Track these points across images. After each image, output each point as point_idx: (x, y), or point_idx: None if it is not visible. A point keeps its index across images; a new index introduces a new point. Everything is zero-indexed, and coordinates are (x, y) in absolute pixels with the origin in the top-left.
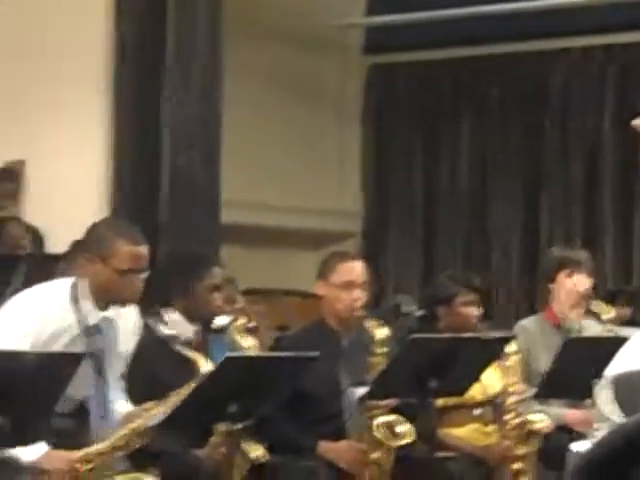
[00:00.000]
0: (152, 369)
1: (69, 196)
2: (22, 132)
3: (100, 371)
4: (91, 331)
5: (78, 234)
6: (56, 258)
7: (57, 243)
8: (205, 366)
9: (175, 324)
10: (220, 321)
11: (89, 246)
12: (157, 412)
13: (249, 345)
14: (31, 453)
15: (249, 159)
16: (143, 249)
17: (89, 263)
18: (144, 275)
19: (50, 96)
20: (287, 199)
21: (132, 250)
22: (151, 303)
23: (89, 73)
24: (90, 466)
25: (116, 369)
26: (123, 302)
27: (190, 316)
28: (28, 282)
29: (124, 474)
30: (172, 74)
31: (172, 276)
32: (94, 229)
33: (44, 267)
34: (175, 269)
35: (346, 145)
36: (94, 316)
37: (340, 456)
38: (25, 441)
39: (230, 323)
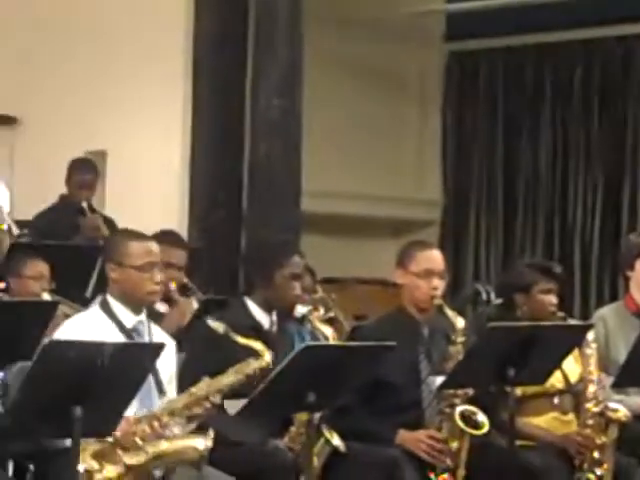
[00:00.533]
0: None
1: (149, 187)
2: (104, 124)
3: None
4: (130, 334)
5: (158, 225)
6: None
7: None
8: (265, 354)
9: (256, 313)
10: (300, 310)
11: (107, 257)
12: (218, 384)
13: (328, 334)
14: None
15: (329, 148)
16: (152, 244)
17: (111, 272)
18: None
19: (132, 89)
20: (367, 188)
21: (141, 245)
22: (234, 291)
23: (170, 67)
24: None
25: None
26: (148, 296)
27: (268, 305)
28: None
29: (179, 439)
30: (253, 65)
31: (253, 265)
32: (106, 241)
33: None
34: (256, 258)
35: (426, 133)
36: (129, 320)
37: (419, 445)
38: (100, 433)
39: (309, 312)
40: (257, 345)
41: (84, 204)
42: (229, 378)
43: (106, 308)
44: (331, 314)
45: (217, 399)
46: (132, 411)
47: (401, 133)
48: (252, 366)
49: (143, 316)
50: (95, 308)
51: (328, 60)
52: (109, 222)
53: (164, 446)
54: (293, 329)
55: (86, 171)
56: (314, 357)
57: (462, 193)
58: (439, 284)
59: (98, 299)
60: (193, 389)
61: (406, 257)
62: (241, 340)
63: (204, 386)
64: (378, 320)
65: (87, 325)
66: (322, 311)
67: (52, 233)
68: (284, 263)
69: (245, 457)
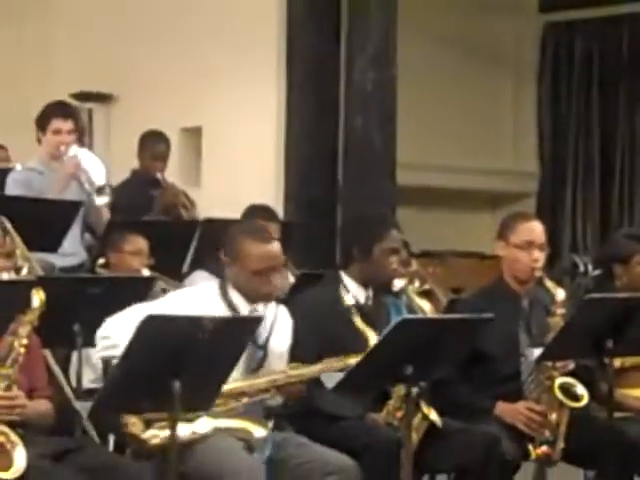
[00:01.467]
0: (333, 335)
1: (245, 162)
2: (199, 100)
3: None
4: None
5: (254, 200)
6: (231, 223)
7: (232, 208)
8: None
9: (351, 287)
10: (398, 284)
11: (226, 249)
12: (314, 369)
13: (426, 308)
14: None
15: (425, 121)
16: (274, 247)
17: (228, 265)
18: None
19: (227, 66)
20: (463, 160)
21: (263, 250)
22: (330, 266)
23: (264, 42)
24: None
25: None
26: (264, 297)
27: (365, 280)
28: (202, 247)
29: (240, 419)
30: (347, 38)
31: (350, 239)
32: (228, 233)
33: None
34: (353, 232)
35: (522, 104)
36: (243, 307)
37: (517, 417)
38: (198, 407)
39: (407, 286)
40: (370, 335)
41: (159, 175)
42: (315, 369)
43: (223, 291)
44: (426, 287)
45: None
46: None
47: (497, 105)
48: (345, 362)
49: (260, 306)
50: (213, 286)
51: (423, 32)
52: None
53: (224, 422)
54: (390, 303)
55: (159, 143)
56: (411, 330)
57: (558, 164)
58: (539, 256)
59: (196, 279)
60: (275, 376)
61: (507, 229)
62: (358, 323)
63: (287, 373)
64: (477, 293)
65: (198, 300)
66: (417, 284)
67: (130, 208)
68: (382, 237)
69: (348, 432)
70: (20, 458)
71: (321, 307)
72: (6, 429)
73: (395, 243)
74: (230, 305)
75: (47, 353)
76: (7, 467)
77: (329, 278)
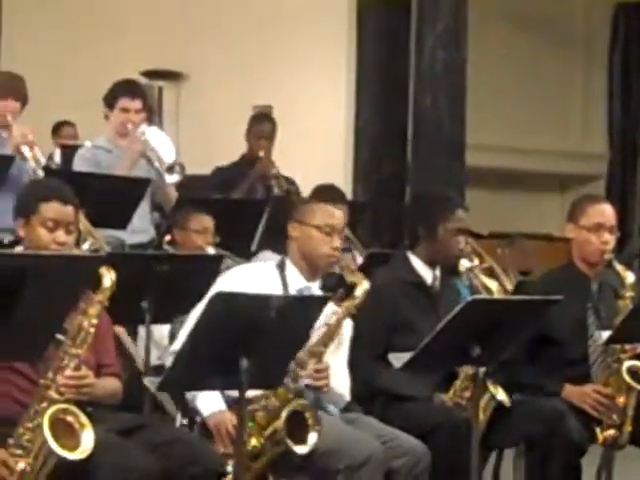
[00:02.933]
0: (401, 314)
1: (314, 142)
2: (270, 79)
3: None
4: None
5: (323, 179)
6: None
7: (301, 188)
8: None
9: (418, 267)
10: (465, 264)
11: (291, 216)
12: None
13: (493, 288)
14: (208, 408)
15: (494, 102)
16: (337, 210)
17: (293, 230)
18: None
19: (297, 45)
20: (532, 142)
21: (327, 209)
22: (398, 246)
23: (333, 21)
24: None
25: None
26: (324, 258)
27: (432, 260)
28: (272, 224)
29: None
30: (417, 18)
31: (417, 219)
32: (295, 202)
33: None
34: (420, 212)
35: (592, 86)
36: (298, 283)
37: (585, 400)
38: (265, 385)
39: (474, 266)
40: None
41: (261, 153)
42: None
43: (281, 267)
44: (486, 265)
45: None
46: None
47: (567, 86)
48: None
49: (314, 285)
50: (271, 264)
51: (493, 12)
52: (290, 182)
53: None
54: (456, 283)
55: (264, 122)
56: (480, 311)
57: (628, 146)
58: (609, 239)
59: (264, 258)
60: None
61: (577, 211)
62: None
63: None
64: (546, 275)
65: (255, 276)
66: (476, 262)
67: (225, 189)
68: (448, 217)
69: (416, 413)
70: (88, 439)
71: (390, 287)
72: (75, 409)
73: (461, 223)
74: (282, 278)
75: (121, 330)
76: (74, 447)
77: (397, 258)
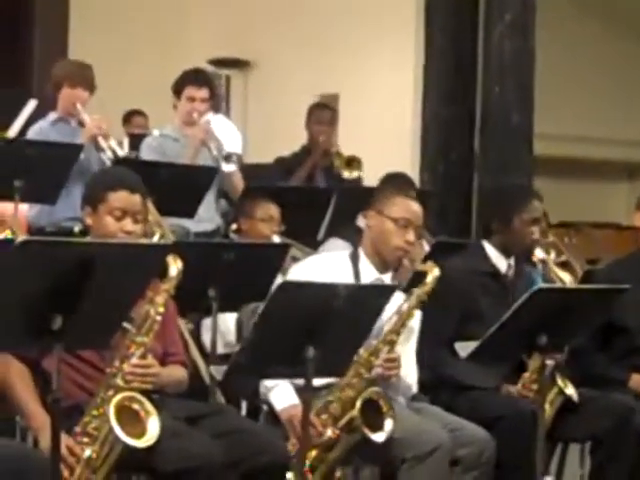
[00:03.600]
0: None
1: (381, 130)
2: (337, 67)
3: None
4: None
5: (390, 168)
6: (367, 191)
7: (369, 176)
8: None
9: (493, 257)
10: (539, 254)
11: (370, 204)
12: None
13: (566, 280)
14: (282, 402)
15: (562, 91)
16: (416, 205)
17: (369, 218)
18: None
19: (364, 33)
20: (600, 131)
21: (405, 202)
22: (467, 235)
23: (401, 9)
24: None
25: None
26: (395, 251)
27: (506, 249)
28: (339, 212)
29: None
30: (485, 6)
31: (492, 209)
32: (376, 189)
33: (355, 200)
34: (495, 202)
35: None
36: (370, 275)
37: None
38: (332, 373)
39: (548, 257)
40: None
41: (322, 138)
42: None
43: (354, 259)
44: (563, 258)
45: None
46: None
47: (635, 74)
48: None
49: (386, 277)
50: (344, 254)
51: (563, 2)
52: (357, 161)
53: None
54: (531, 273)
55: (323, 109)
56: (546, 299)
57: None
58: None
59: (331, 247)
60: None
61: None
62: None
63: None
64: (614, 263)
65: (328, 267)
66: (554, 255)
67: (285, 178)
68: (524, 207)
69: (482, 403)
70: (153, 427)
71: (463, 276)
72: (141, 397)
73: (536, 213)
74: (355, 268)
75: (180, 322)
76: (140, 435)
77: (472, 247)
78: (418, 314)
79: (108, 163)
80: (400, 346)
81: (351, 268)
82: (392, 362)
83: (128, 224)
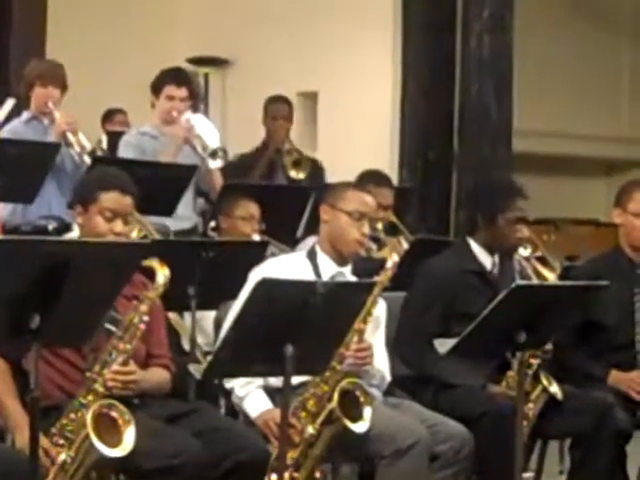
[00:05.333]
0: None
1: (360, 128)
2: (315, 65)
3: None
4: None
5: (369, 165)
6: None
7: (347, 173)
8: None
9: (476, 255)
10: (522, 252)
11: (323, 199)
12: None
13: (549, 277)
14: (256, 409)
15: (540, 87)
16: (369, 198)
17: (324, 213)
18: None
19: (342, 31)
20: (579, 127)
21: (358, 194)
22: (446, 233)
23: (378, 6)
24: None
25: None
26: (353, 244)
27: (490, 247)
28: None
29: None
30: (463, 3)
31: (477, 205)
32: (328, 185)
33: None
34: (480, 199)
35: None
36: (329, 270)
37: (631, 386)
38: (311, 371)
39: (531, 255)
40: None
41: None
42: None
43: (311, 256)
44: (539, 254)
45: None
46: None
47: (615, 71)
48: None
49: (346, 269)
50: (301, 253)
51: None
52: (313, 162)
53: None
54: (514, 271)
55: (278, 102)
56: (525, 297)
57: None
58: None
59: (308, 245)
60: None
61: (624, 196)
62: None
63: None
64: (592, 260)
65: (287, 267)
66: (529, 251)
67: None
68: (509, 206)
69: (462, 400)
70: (129, 437)
71: (450, 275)
72: (120, 406)
73: (520, 212)
74: (314, 266)
75: (172, 315)
76: (116, 444)
77: (458, 244)
78: (382, 303)
79: (85, 160)
80: (369, 335)
81: (310, 265)
82: (364, 351)
83: (118, 225)
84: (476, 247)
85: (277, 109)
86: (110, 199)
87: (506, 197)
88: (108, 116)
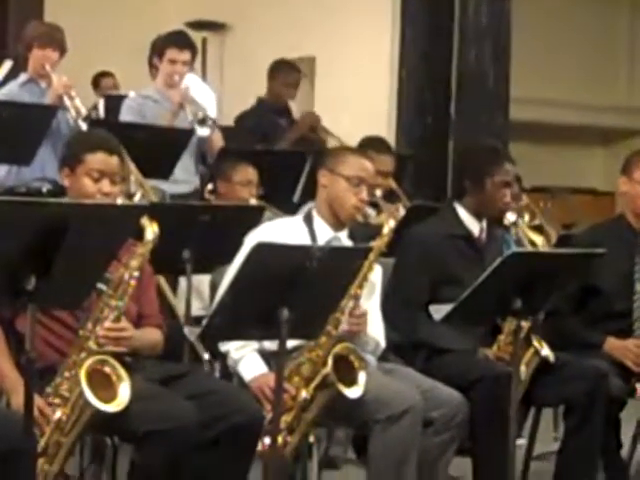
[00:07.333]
0: (447, 265)
1: (357, 93)
2: (313, 30)
3: None
4: None
5: (366, 131)
6: None
7: (344, 139)
8: None
9: (463, 220)
10: (510, 217)
11: (322, 163)
12: None
13: (538, 242)
14: (250, 372)
15: (538, 55)
16: (368, 163)
17: (322, 177)
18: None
19: None
20: (576, 95)
21: (358, 160)
22: (441, 198)
23: None
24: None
25: None
26: (350, 209)
27: (478, 212)
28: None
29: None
30: None
31: (463, 171)
32: (327, 149)
33: None
34: (465, 164)
35: (637, 40)
36: (325, 234)
37: (626, 354)
38: (306, 335)
39: (519, 220)
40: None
41: (291, 103)
42: None
43: (308, 220)
44: (536, 222)
45: None
46: None
47: (612, 40)
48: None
49: (342, 234)
50: (297, 218)
51: None
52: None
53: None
54: (504, 236)
55: (293, 71)
56: (521, 264)
57: None
58: None
59: (305, 209)
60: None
61: (631, 165)
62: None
63: None
64: (593, 227)
65: (282, 231)
66: (527, 218)
67: (255, 136)
68: (496, 170)
69: (457, 365)
70: (124, 392)
71: (437, 239)
72: (113, 361)
73: (507, 176)
74: (310, 230)
75: (160, 279)
76: (111, 399)
77: (444, 210)
78: (378, 268)
79: (81, 124)
80: (364, 301)
81: (306, 230)
82: (359, 317)
83: (106, 185)
84: (463, 212)
85: (293, 77)
86: (96, 159)
87: (493, 161)
88: (96, 80)
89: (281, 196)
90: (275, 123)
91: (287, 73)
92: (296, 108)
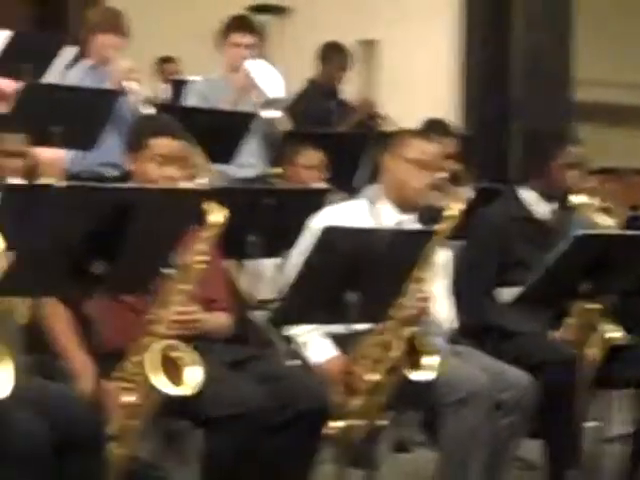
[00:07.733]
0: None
1: (420, 76)
2: (376, 13)
3: None
4: None
5: (429, 114)
6: None
7: (407, 123)
8: None
9: (531, 202)
10: (576, 200)
11: (388, 146)
12: None
13: (606, 223)
14: (320, 355)
15: (605, 36)
16: (433, 147)
17: (387, 160)
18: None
19: None
20: None
21: (421, 143)
22: (504, 180)
23: None
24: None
25: None
26: (414, 192)
27: (545, 194)
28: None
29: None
30: None
31: (528, 154)
32: (394, 132)
33: None
34: (531, 147)
35: None
36: (391, 218)
37: None
38: (373, 319)
39: (585, 202)
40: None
41: (348, 86)
42: None
43: (372, 203)
44: (605, 204)
45: None
46: None
47: None
48: None
49: (408, 218)
50: (362, 201)
51: None
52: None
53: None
54: (568, 218)
55: (344, 54)
56: (589, 246)
57: None
58: None
59: (367, 192)
60: None
61: None
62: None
63: None
64: None
65: (346, 215)
66: (597, 201)
67: (307, 119)
68: (559, 152)
69: (525, 347)
70: (193, 376)
71: (502, 223)
72: (182, 345)
73: (572, 158)
74: (375, 213)
75: (229, 263)
76: (180, 383)
77: (506, 193)
78: (448, 252)
79: (145, 109)
80: (430, 284)
81: (371, 213)
82: (423, 301)
83: (170, 170)
84: (527, 194)
85: (348, 61)
86: (161, 144)
87: (558, 143)
88: (159, 64)
89: (342, 179)
90: (325, 106)
91: (343, 56)
92: (355, 91)
